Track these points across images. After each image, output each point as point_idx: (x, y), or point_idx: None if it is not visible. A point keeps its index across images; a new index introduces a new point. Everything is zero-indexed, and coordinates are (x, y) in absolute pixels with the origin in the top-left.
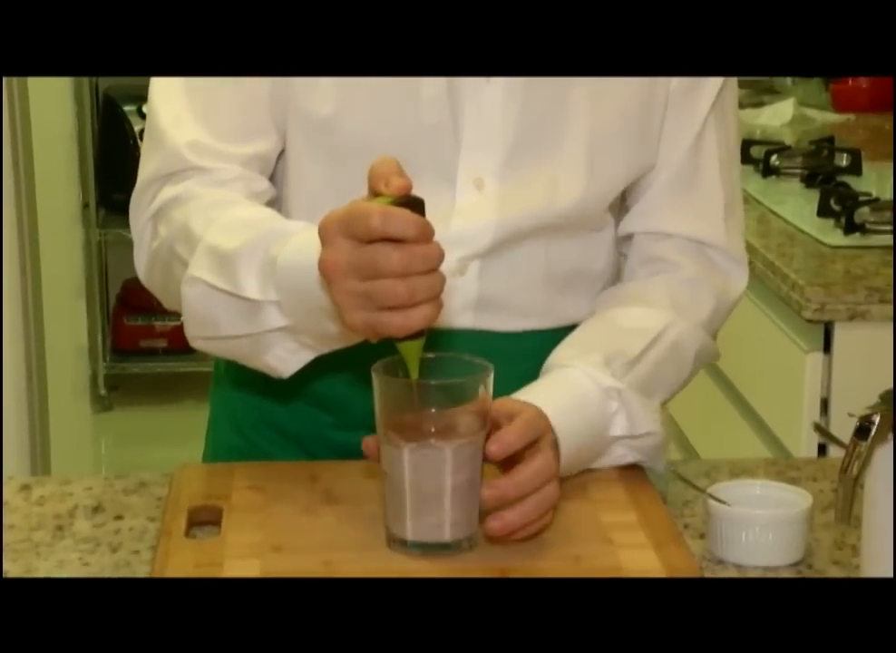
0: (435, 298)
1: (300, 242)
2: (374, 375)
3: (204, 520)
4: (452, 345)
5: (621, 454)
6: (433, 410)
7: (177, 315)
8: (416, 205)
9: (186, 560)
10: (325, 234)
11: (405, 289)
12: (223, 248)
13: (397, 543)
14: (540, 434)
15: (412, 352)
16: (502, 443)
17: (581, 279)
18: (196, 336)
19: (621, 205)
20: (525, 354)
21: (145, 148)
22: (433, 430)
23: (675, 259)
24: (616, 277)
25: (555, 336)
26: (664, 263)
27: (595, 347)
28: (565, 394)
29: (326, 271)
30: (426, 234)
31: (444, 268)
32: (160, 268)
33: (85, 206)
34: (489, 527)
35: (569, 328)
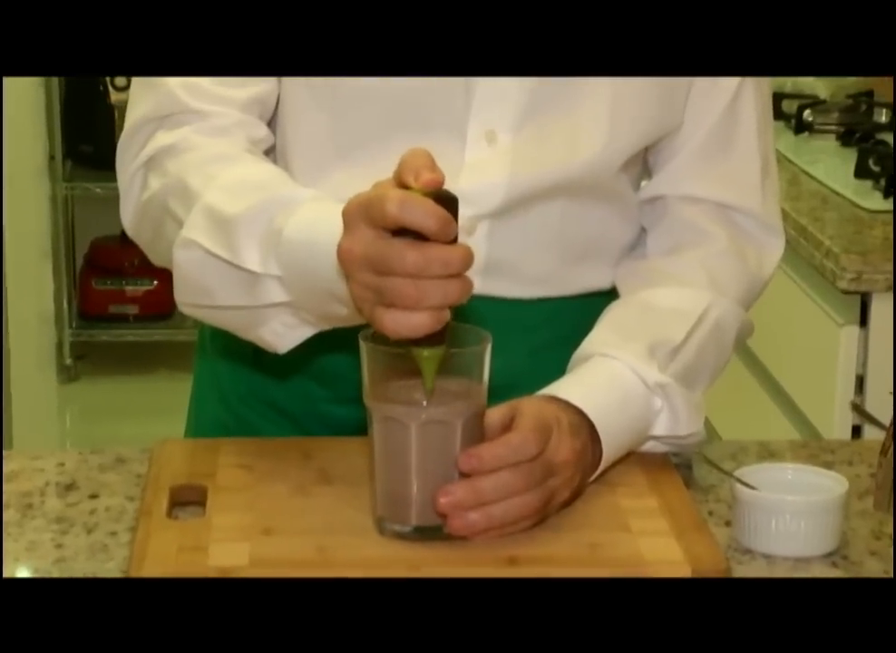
0: (446, 307)
1: (308, 215)
2: (361, 344)
3: (187, 499)
4: (457, 311)
5: (652, 445)
6: (433, 384)
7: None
8: (447, 202)
9: (168, 543)
10: (347, 219)
11: (414, 291)
12: (223, 212)
13: (393, 529)
14: (528, 458)
15: (426, 362)
16: (473, 458)
17: (599, 248)
18: (186, 302)
19: (644, 169)
20: (536, 323)
21: (135, 88)
22: (435, 403)
23: (705, 227)
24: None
25: (569, 304)
26: (693, 231)
27: (637, 334)
28: (609, 391)
29: (343, 260)
30: (447, 231)
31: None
32: (149, 222)
33: (51, 158)
34: (449, 524)
35: (584, 298)
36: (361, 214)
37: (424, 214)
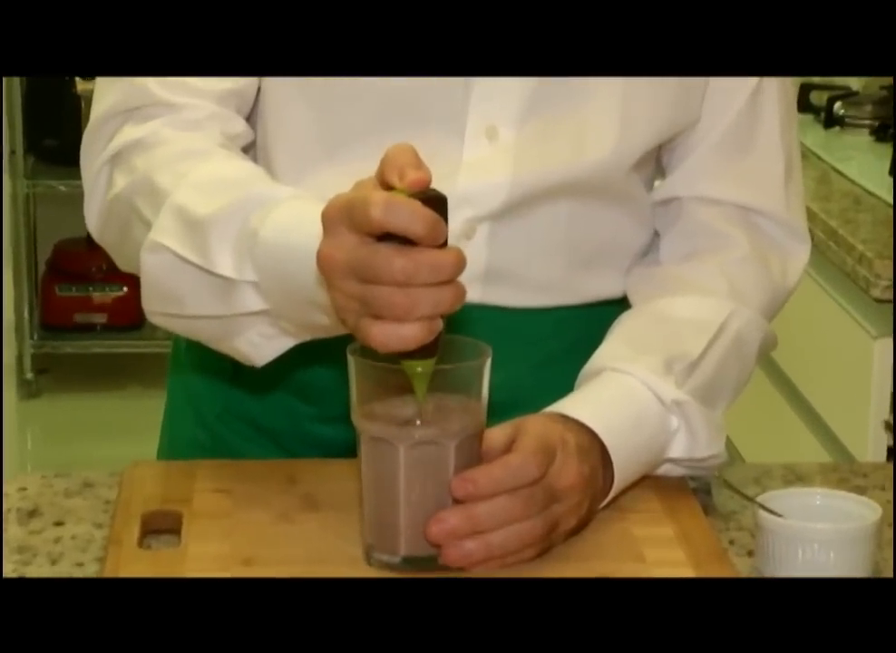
0: (438, 316)
1: (287, 215)
2: (350, 358)
3: (160, 527)
4: (455, 322)
5: (668, 469)
6: (425, 400)
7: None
8: (435, 203)
9: (139, 575)
10: (327, 222)
11: (403, 300)
12: (194, 212)
13: (381, 559)
14: (528, 482)
15: (418, 376)
16: (468, 482)
17: (609, 253)
18: (155, 310)
19: (657, 168)
20: (541, 335)
21: (102, 79)
22: (427, 423)
23: (724, 231)
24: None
25: (576, 314)
26: (711, 235)
27: (651, 347)
28: (621, 409)
29: (324, 267)
30: (436, 234)
31: (448, 230)
32: (115, 223)
33: (11, 153)
34: (444, 554)
35: (593, 307)
36: (342, 218)
37: (411, 218)
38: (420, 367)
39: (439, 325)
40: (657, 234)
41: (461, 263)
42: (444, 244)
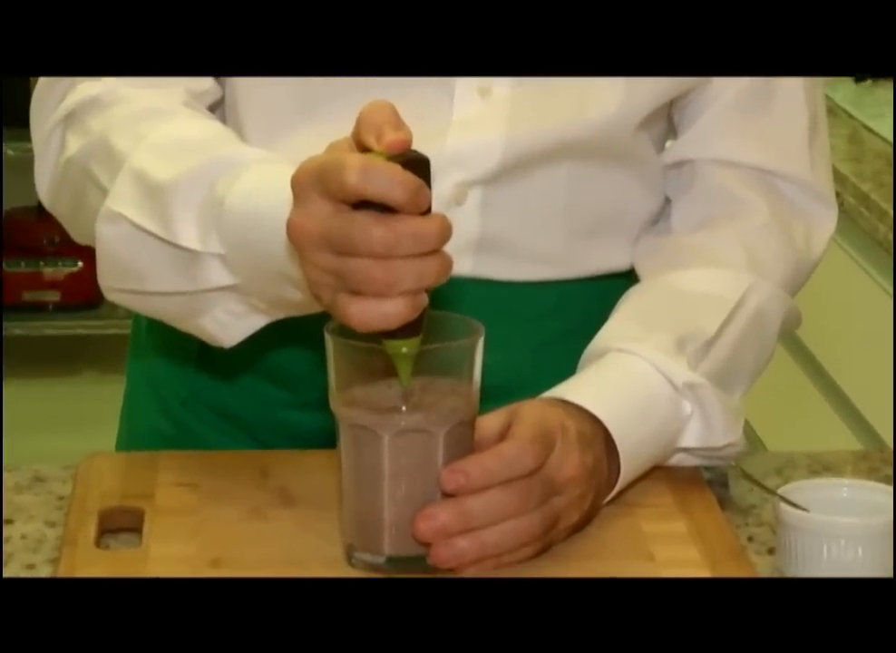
0: (422, 290)
1: (255, 180)
2: (327, 338)
3: (119, 526)
4: (444, 297)
5: (681, 459)
6: (409, 382)
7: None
8: (417, 166)
9: (96, 577)
10: (298, 189)
11: (383, 274)
12: (154, 178)
13: (364, 559)
14: (524, 473)
15: (402, 357)
16: (458, 474)
17: (615, 221)
18: (112, 286)
19: (668, 127)
20: (540, 311)
21: None
22: (415, 409)
23: (742, 196)
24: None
25: (579, 289)
26: (728, 201)
27: (662, 325)
28: (628, 393)
29: (295, 238)
30: (418, 201)
31: (438, 197)
32: (69, 190)
33: None
34: (433, 554)
35: (597, 281)
36: (314, 184)
37: (390, 183)
38: (404, 348)
39: (423, 300)
40: (667, 200)
41: (446, 231)
42: (428, 211)
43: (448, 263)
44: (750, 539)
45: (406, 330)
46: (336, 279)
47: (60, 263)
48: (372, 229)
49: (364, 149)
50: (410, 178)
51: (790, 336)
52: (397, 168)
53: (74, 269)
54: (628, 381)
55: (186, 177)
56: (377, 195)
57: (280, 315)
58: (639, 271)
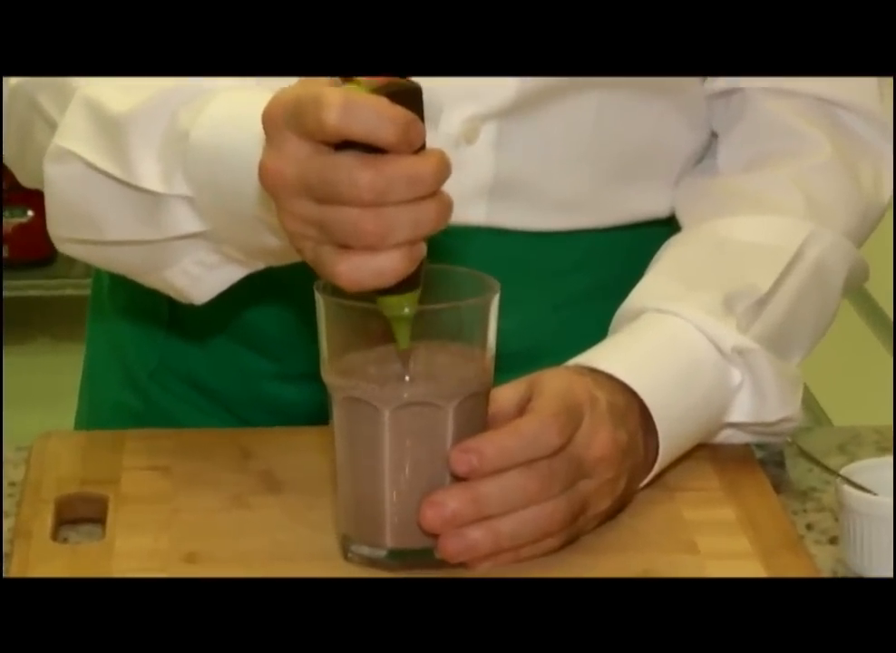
0: (419, 241)
1: (223, 109)
2: (318, 298)
3: (80, 515)
4: (453, 250)
5: (729, 435)
6: (413, 348)
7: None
8: (406, 96)
9: (54, 575)
10: (269, 126)
11: (374, 225)
12: (110, 108)
13: (361, 552)
14: (547, 452)
15: (399, 318)
16: (471, 454)
17: (651, 160)
18: (64, 236)
19: None
20: (564, 266)
21: None
22: (420, 379)
23: (801, 130)
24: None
25: (608, 240)
26: (783, 136)
27: (707, 281)
28: (667, 360)
29: (269, 184)
30: (410, 138)
31: (446, 134)
32: (14, 125)
33: None
34: (442, 546)
35: (631, 230)
36: (288, 121)
37: (377, 120)
38: (404, 306)
39: (421, 250)
40: (713, 135)
41: (444, 170)
42: (421, 149)
43: (447, 206)
44: (809, 527)
45: (403, 286)
46: (319, 231)
47: (7, 213)
48: (358, 173)
49: (344, 79)
50: (399, 112)
51: (856, 291)
52: (383, 101)
53: (24, 220)
54: (667, 346)
55: (145, 107)
56: (362, 134)
57: (259, 265)
58: (680, 218)
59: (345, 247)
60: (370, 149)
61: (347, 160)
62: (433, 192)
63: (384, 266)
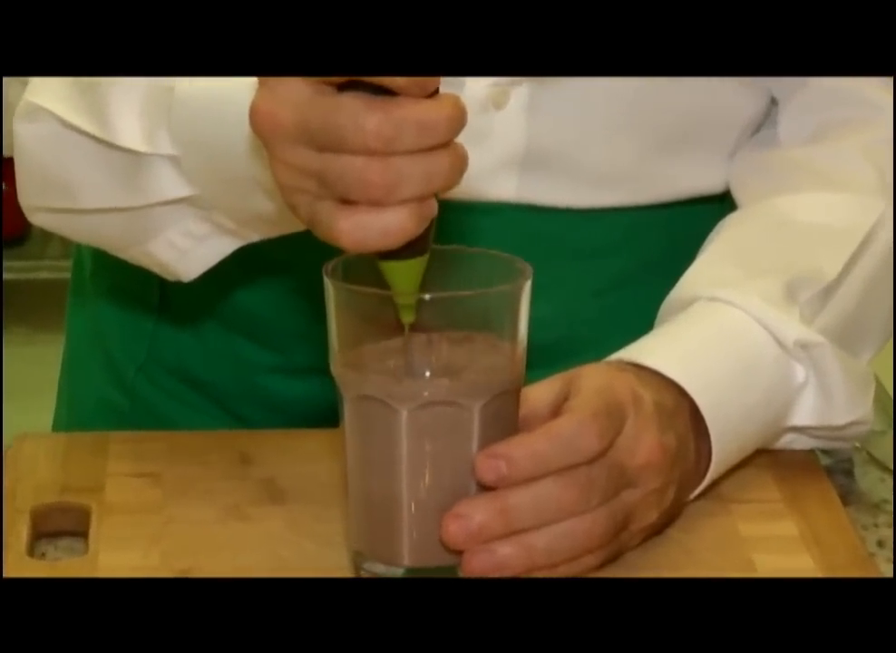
0: (430, 197)
1: None
2: (327, 282)
3: (60, 528)
4: (479, 229)
5: (791, 440)
6: (434, 340)
7: None
8: None
9: None
10: None
11: (380, 176)
12: None
13: (375, 570)
14: (586, 458)
15: (403, 279)
16: (499, 460)
17: (701, 129)
18: (36, 204)
19: None
20: (604, 247)
21: None
22: (442, 375)
23: (873, 97)
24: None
25: (654, 218)
26: (854, 105)
27: (767, 265)
28: (722, 357)
29: (262, 129)
30: (425, 79)
31: (471, 98)
32: None
33: None
34: (466, 564)
35: (681, 207)
36: None
37: None
38: (412, 274)
39: (432, 208)
40: (774, 102)
41: (459, 117)
42: (435, 93)
43: (462, 158)
44: (880, 544)
45: (410, 249)
46: (318, 184)
47: None
48: (364, 117)
49: None
50: None
51: None
52: None
53: None
54: (721, 339)
55: None
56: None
57: (253, 236)
58: (736, 195)
59: (346, 202)
60: (378, 91)
61: (352, 102)
62: (447, 142)
63: (391, 223)
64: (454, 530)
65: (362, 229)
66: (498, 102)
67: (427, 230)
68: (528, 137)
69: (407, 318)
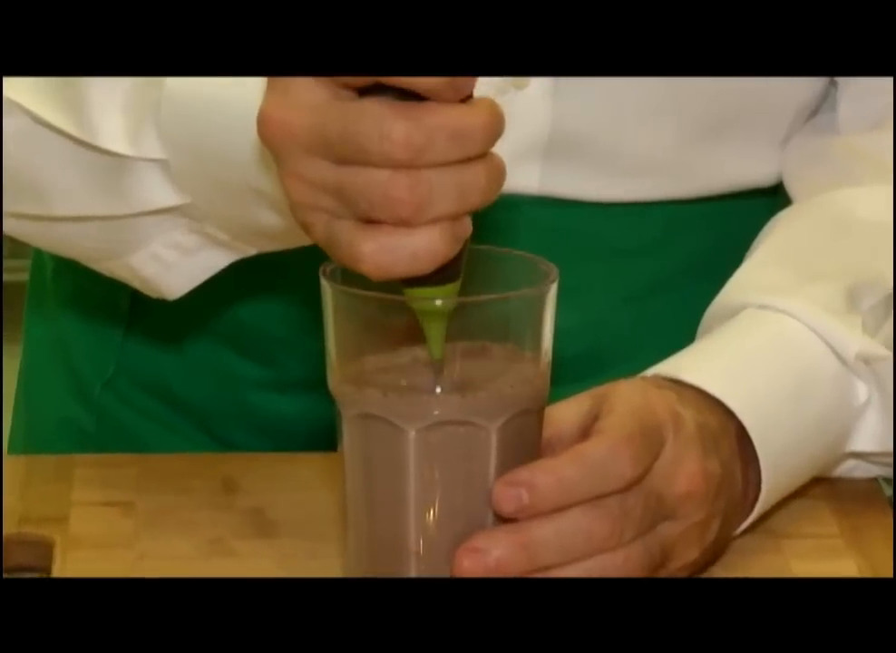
0: (465, 213)
1: None
2: (324, 286)
3: (19, 563)
4: (497, 225)
5: (852, 467)
6: (446, 352)
7: None
8: None
9: None
10: None
11: (409, 194)
12: None
13: None
14: (618, 486)
15: (432, 314)
16: (521, 487)
17: (749, 115)
18: (7, 210)
19: None
20: (639, 246)
21: None
22: (455, 392)
23: None
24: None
25: (695, 214)
26: None
27: (824, 269)
28: (773, 373)
29: (272, 136)
30: (458, 82)
31: (489, 78)
32: None
33: None
34: None
35: (727, 202)
36: None
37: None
38: (437, 299)
39: (466, 228)
40: (832, 84)
41: (496, 124)
42: (469, 98)
43: (500, 171)
44: None
45: (441, 274)
46: (337, 201)
47: None
48: (390, 125)
49: None
50: None
51: None
52: None
53: None
54: (773, 352)
55: None
56: (399, 78)
57: (250, 250)
58: (790, 188)
59: (369, 221)
60: (404, 94)
61: (376, 107)
62: (483, 152)
63: (420, 246)
64: (468, 565)
65: (387, 252)
66: (518, 82)
67: (460, 253)
68: (552, 121)
69: (437, 354)
